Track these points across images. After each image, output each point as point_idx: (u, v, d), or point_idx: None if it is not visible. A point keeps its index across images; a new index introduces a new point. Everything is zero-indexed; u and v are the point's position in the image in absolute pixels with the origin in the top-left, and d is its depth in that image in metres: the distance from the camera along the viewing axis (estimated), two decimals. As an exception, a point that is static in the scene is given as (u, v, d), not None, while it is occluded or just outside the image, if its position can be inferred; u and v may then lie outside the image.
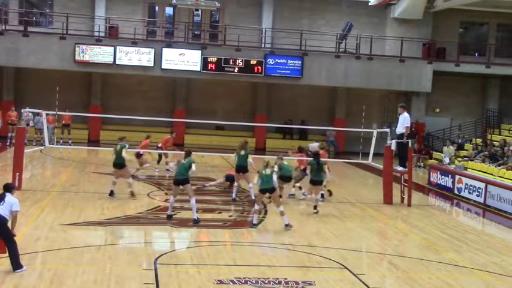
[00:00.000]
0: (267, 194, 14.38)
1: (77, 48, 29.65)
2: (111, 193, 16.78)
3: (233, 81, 32.17)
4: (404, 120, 18.39)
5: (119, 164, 16.67)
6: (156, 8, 33.92)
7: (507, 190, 18.83)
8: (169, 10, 33.82)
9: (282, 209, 14.15)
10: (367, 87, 32.57)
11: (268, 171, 14.21)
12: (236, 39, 31.05)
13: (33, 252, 11.29)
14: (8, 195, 10.11)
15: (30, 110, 23.57)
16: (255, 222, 14.36)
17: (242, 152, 17.62)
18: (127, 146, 17.15)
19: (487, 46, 33.73)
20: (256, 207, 14.64)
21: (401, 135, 18.47)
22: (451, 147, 27.77)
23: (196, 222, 14.22)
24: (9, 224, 10.03)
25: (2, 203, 9.93)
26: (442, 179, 22.71)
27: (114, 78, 32.80)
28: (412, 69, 31.93)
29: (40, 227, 13.14)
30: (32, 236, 12.39)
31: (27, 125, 25.21)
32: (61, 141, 29.48)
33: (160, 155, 22.71)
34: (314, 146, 21.60)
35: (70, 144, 28.92)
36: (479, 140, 29.48)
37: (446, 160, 26.16)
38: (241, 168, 17.53)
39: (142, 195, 17.87)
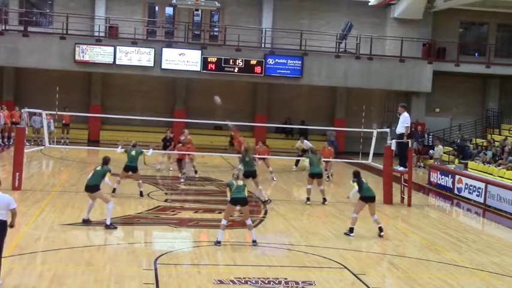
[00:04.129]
0: (238, 207, 13.04)
1: (77, 48, 29.63)
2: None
3: (233, 81, 32.16)
4: (404, 120, 18.40)
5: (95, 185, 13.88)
6: (156, 8, 33.91)
7: (507, 190, 18.83)
8: (169, 10, 33.80)
9: (250, 222, 12.97)
10: (367, 87, 32.57)
11: (240, 182, 12.90)
12: (236, 39, 31.04)
13: (33, 252, 11.30)
14: None
15: (29, 110, 23.54)
16: (219, 239, 12.65)
17: (133, 152, 17.54)
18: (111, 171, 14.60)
19: (487, 46, 33.73)
20: (224, 222, 12.78)
21: (401, 135, 18.47)
22: (440, 146, 28.43)
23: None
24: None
25: None
26: (442, 179, 22.70)
27: (114, 78, 32.79)
28: (412, 69, 31.92)
29: (40, 227, 13.15)
30: (32, 236, 12.40)
31: (27, 124, 25.18)
32: (62, 141, 29.51)
33: None
34: (307, 143, 24.92)
35: (67, 144, 28.99)
36: (479, 140, 29.49)
37: (434, 154, 28.15)
38: (131, 168, 17.42)
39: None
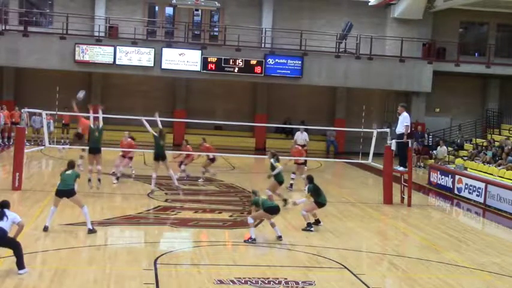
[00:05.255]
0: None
1: (77, 48, 29.65)
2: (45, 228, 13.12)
3: (233, 81, 32.16)
4: (404, 120, 18.41)
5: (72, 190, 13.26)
6: (156, 8, 33.93)
7: (507, 190, 18.82)
8: (169, 10, 33.81)
9: (272, 220, 13.28)
10: (367, 87, 32.57)
11: (264, 196, 13.53)
12: (236, 39, 31.05)
13: (33, 252, 11.30)
14: (6, 211, 10.15)
15: (29, 110, 23.50)
16: (253, 236, 12.97)
17: (96, 133, 17.41)
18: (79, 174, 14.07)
19: (487, 46, 33.73)
20: (251, 220, 13.15)
21: (401, 135, 18.47)
22: (444, 147, 28.12)
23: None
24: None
25: (5, 219, 10.01)
26: (442, 179, 22.70)
27: (114, 78, 32.79)
28: (412, 69, 31.93)
29: (40, 227, 13.13)
30: (32, 236, 12.39)
31: (27, 124, 25.18)
32: (62, 141, 29.50)
33: None
34: (306, 137, 24.55)
35: (67, 144, 28.99)
36: (479, 140, 29.47)
37: (438, 154, 27.79)
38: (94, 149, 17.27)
39: (142, 195, 17.88)
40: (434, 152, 28.68)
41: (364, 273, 11.24)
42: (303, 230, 14.26)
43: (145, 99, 33.05)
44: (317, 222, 14.64)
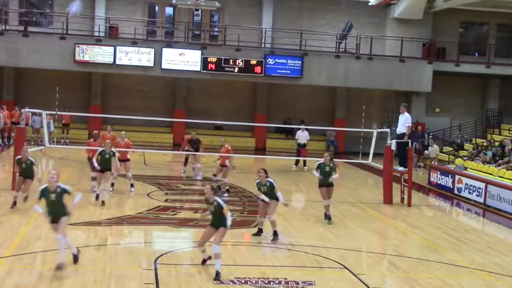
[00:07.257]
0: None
1: (77, 48, 29.63)
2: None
3: (233, 81, 32.16)
4: (405, 120, 18.43)
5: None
6: (156, 8, 33.91)
7: (507, 190, 18.82)
8: (169, 10, 33.78)
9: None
10: (367, 87, 32.57)
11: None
12: (236, 39, 31.04)
13: (33, 252, 11.30)
14: None
15: (30, 110, 23.51)
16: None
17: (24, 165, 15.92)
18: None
19: (487, 46, 33.73)
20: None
21: (401, 135, 18.47)
22: (435, 146, 28.85)
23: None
24: None
25: None
26: (442, 179, 22.70)
27: (114, 78, 32.77)
28: (412, 69, 31.92)
29: (40, 227, 13.13)
30: (32, 236, 12.40)
31: (26, 124, 25.16)
32: (62, 141, 29.50)
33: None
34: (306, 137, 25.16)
35: (67, 144, 28.99)
36: (479, 140, 29.49)
37: (429, 153, 28.73)
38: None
39: (142, 195, 17.88)
40: (426, 151, 28.95)
41: (364, 273, 11.24)
42: (253, 235, 13.49)
43: (145, 99, 33.04)
44: (259, 231, 13.54)
